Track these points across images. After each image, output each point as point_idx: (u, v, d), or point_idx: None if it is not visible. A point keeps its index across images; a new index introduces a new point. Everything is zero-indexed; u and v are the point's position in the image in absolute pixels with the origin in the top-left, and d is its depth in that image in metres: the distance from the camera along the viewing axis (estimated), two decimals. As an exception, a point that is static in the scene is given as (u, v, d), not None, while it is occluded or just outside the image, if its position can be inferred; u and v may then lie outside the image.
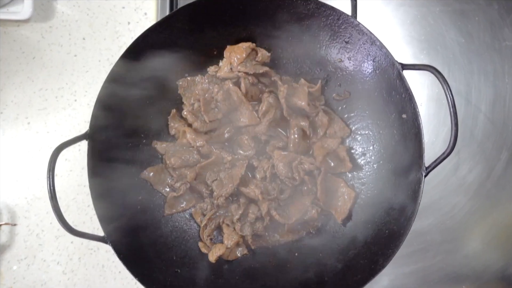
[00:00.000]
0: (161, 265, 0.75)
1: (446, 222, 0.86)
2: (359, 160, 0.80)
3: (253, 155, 0.80)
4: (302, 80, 0.82)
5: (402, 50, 0.90)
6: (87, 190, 0.71)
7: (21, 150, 0.90)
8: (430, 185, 0.86)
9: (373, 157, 0.79)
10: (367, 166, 0.80)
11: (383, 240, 0.71)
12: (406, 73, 0.69)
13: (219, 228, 0.81)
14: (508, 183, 0.87)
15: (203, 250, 0.78)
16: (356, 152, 0.81)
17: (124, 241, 0.71)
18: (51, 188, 0.63)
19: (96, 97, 0.72)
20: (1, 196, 0.89)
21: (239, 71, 0.78)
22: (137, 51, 0.74)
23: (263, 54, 0.80)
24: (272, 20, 0.78)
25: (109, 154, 0.75)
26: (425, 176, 0.66)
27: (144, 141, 0.81)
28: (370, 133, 0.79)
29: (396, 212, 0.71)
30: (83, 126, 0.91)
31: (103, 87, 0.72)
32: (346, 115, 0.82)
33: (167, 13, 0.92)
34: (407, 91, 0.69)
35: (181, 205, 0.81)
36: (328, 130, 0.81)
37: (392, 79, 0.71)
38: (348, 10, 0.73)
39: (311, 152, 0.81)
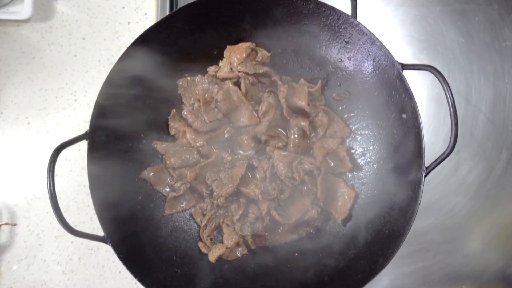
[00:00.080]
0: (161, 265, 0.75)
1: (446, 222, 0.86)
2: (359, 160, 0.80)
3: (253, 155, 0.80)
4: (302, 80, 0.82)
5: (402, 50, 0.90)
6: (87, 190, 0.71)
7: (21, 150, 0.90)
8: (430, 185, 0.86)
9: (373, 157, 0.79)
10: (367, 166, 0.80)
11: (383, 240, 0.71)
12: (406, 73, 0.69)
13: (219, 228, 0.81)
14: (508, 183, 0.87)
15: (203, 250, 0.78)
16: (356, 152, 0.81)
17: (124, 241, 0.71)
18: (51, 188, 0.63)
19: (96, 97, 0.72)
20: (1, 196, 0.89)
21: (239, 71, 0.78)
22: (137, 51, 0.74)
23: (263, 54, 0.80)
24: (272, 20, 0.78)
25: (109, 154, 0.75)
26: (425, 176, 0.66)
27: (144, 141, 0.81)
28: (370, 133, 0.79)
29: (396, 212, 0.71)
30: (83, 126, 0.91)
31: (103, 87, 0.72)
32: (346, 115, 0.82)
33: (167, 13, 0.92)
34: (407, 91, 0.69)
35: (181, 205, 0.81)
36: (328, 130, 0.81)
37: (392, 79, 0.71)
38: (348, 10, 0.73)
39: (311, 152, 0.81)
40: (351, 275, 0.72)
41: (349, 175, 0.81)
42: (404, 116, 0.72)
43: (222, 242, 0.78)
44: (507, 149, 0.87)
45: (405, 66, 0.69)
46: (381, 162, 0.78)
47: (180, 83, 0.82)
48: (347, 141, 0.82)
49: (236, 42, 0.80)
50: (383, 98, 0.75)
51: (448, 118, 0.63)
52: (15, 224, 0.88)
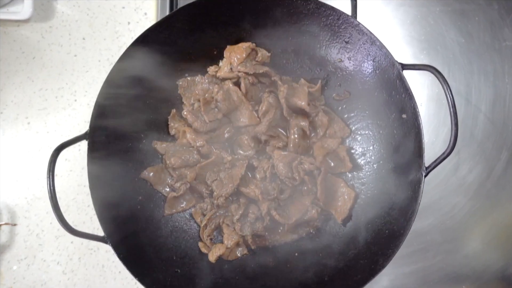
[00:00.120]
0: (161, 265, 0.75)
1: (446, 222, 0.86)
2: (359, 160, 0.80)
3: (253, 155, 0.80)
4: (302, 80, 0.82)
5: (402, 50, 0.90)
6: (87, 190, 0.71)
7: (21, 150, 0.90)
8: (430, 185, 0.86)
9: (373, 157, 0.79)
10: (367, 166, 0.80)
11: (383, 240, 0.71)
12: (406, 73, 0.69)
13: (219, 228, 0.81)
14: (508, 183, 0.87)
15: (203, 250, 0.78)
16: (356, 152, 0.81)
17: (124, 241, 0.71)
18: (51, 188, 0.63)
19: (96, 97, 0.72)
20: (1, 196, 0.89)
21: (239, 71, 0.78)
22: (137, 51, 0.74)
23: (263, 54, 0.80)
24: (272, 20, 0.78)
25: (109, 154, 0.75)
26: (425, 176, 0.66)
27: (144, 141, 0.81)
28: (370, 133, 0.79)
29: (396, 212, 0.71)
30: (83, 126, 0.91)
31: (103, 87, 0.72)
32: (346, 115, 0.82)
33: (167, 13, 0.92)
34: (407, 91, 0.69)
35: (181, 205, 0.81)
36: (328, 130, 0.81)
37: (392, 79, 0.71)
38: (348, 10, 0.73)
39: (311, 152, 0.81)
40: (351, 275, 0.72)
41: (349, 175, 0.81)
42: (404, 116, 0.72)
43: (222, 242, 0.78)
44: (507, 149, 0.87)
45: (405, 66, 0.69)
46: (381, 162, 0.78)
47: (180, 83, 0.82)
48: (347, 141, 0.82)
49: (236, 42, 0.80)
50: (383, 98, 0.75)
51: (448, 118, 0.63)
52: (15, 224, 0.88)
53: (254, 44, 0.79)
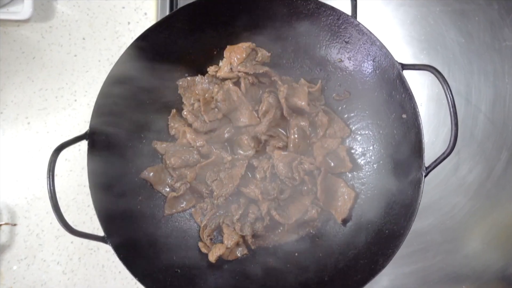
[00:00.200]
0: (161, 265, 0.75)
1: (446, 222, 0.86)
2: (359, 160, 0.80)
3: (253, 155, 0.80)
4: (302, 80, 0.82)
5: (402, 50, 0.90)
6: (87, 190, 0.71)
7: (21, 150, 0.90)
8: (430, 185, 0.86)
9: (373, 157, 0.79)
10: (367, 166, 0.80)
11: (383, 240, 0.71)
12: (406, 73, 0.69)
13: (219, 228, 0.81)
14: (508, 183, 0.87)
15: (203, 250, 0.78)
16: (356, 152, 0.81)
17: (124, 241, 0.71)
18: (51, 188, 0.63)
19: (96, 97, 0.72)
20: (1, 196, 0.89)
21: (239, 71, 0.78)
22: (137, 51, 0.74)
23: (263, 54, 0.80)
24: (272, 20, 0.78)
25: (109, 154, 0.75)
26: (425, 176, 0.66)
27: (144, 141, 0.81)
28: (370, 133, 0.79)
29: (396, 212, 0.71)
30: (83, 126, 0.91)
31: (103, 87, 0.72)
32: (346, 115, 0.82)
33: (167, 13, 0.92)
34: (407, 91, 0.69)
35: (181, 205, 0.81)
36: (328, 130, 0.81)
37: (392, 79, 0.71)
38: (348, 10, 0.73)
39: (311, 152, 0.81)
40: (351, 275, 0.72)
41: (349, 175, 0.81)
42: (404, 116, 0.71)
43: (222, 242, 0.78)
44: (507, 149, 0.87)
45: (405, 66, 0.69)
46: (381, 162, 0.78)
47: (180, 83, 0.82)
48: (347, 141, 0.82)
49: (236, 42, 0.80)
50: (383, 98, 0.75)
51: (448, 118, 0.63)
52: (15, 224, 0.88)
53: (254, 44, 0.79)
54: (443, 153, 0.63)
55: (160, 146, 0.82)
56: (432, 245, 0.86)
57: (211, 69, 0.82)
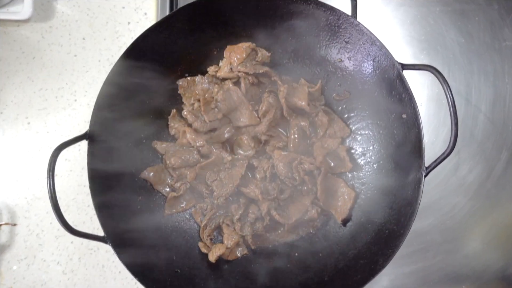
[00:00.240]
0: (161, 265, 0.75)
1: (446, 222, 0.86)
2: (359, 160, 0.80)
3: (253, 155, 0.80)
4: (302, 80, 0.82)
5: (402, 50, 0.90)
6: (87, 190, 0.71)
7: (21, 150, 0.90)
8: (430, 185, 0.86)
9: (373, 157, 0.79)
10: (367, 166, 0.80)
11: (383, 240, 0.71)
12: (406, 73, 0.69)
13: (219, 228, 0.81)
14: (508, 183, 0.86)
15: (203, 250, 0.78)
16: (356, 152, 0.81)
17: (124, 241, 0.71)
18: (51, 188, 0.63)
19: (96, 97, 0.72)
20: (1, 196, 0.89)
21: (239, 71, 0.78)
22: (137, 51, 0.74)
23: (263, 54, 0.80)
24: (272, 20, 0.78)
25: (109, 154, 0.75)
26: (425, 176, 0.66)
27: (144, 141, 0.81)
28: (370, 133, 0.79)
29: (396, 212, 0.71)
30: (83, 126, 0.91)
31: (103, 87, 0.72)
32: (346, 115, 0.82)
33: (167, 13, 0.92)
34: (407, 91, 0.69)
35: (181, 205, 0.81)
36: (328, 130, 0.81)
37: (392, 79, 0.71)
38: (348, 10, 0.73)
39: (311, 152, 0.81)
40: (351, 275, 0.72)
41: (349, 175, 0.81)
42: (404, 116, 0.71)
43: (222, 242, 0.78)
44: (507, 149, 0.87)
45: (405, 66, 0.69)
46: (381, 162, 0.78)
47: (180, 83, 0.82)
48: (347, 141, 0.82)
49: (236, 42, 0.80)
50: (383, 98, 0.75)
51: (448, 118, 0.63)
52: (15, 224, 0.88)
53: (254, 44, 0.79)
54: (443, 153, 0.63)
55: (160, 146, 0.82)
56: (432, 245, 0.86)
57: (211, 69, 0.82)
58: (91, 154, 0.71)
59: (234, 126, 0.82)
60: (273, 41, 0.80)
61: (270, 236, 0.80)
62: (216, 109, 0.80)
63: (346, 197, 0.78)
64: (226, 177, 0.78)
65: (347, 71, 0.79)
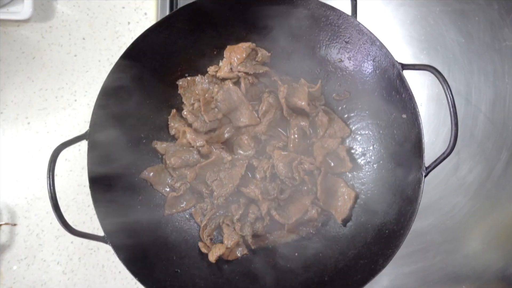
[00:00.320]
0: (161, 265, 0.75)
1: (446, 222, 0.86)
2: (359, 160, 0.80)
3: (253, 155, 0.80)
4: (302, 80, 0.82)
5: (402, 50, 0.90)
6: (87, 190, 0.71)
7: (21, 150, 0.90)
8: (430, 185, 0.86)
9: (373, 157, 0.79)
10: (367, 166, 0.80)
11: (383, 240, 0.71)
12: (406, 73, 0.69)
13: (219, 228, 0.81)
14: (508, 183, 0.87)
15: (203, 250, 0.78)
16: (356, 152, 0.81)
17: (124, 241, 0.71)
18: (51, 188, 0.63)
19: (96, 97, 0.72)
20: (1, 196, 0.89)
21: (239, 71, 0.78)
22: (137, 51, 0.74)
23: (263, 54, 0.80)
24: (272, 20, 0.78)
25: (109, 154, 0.75)
26: (425, 176, 0.66)
27: (144, 141, 0.81)
28: (370, 133, 0.79)
29: (396, 212, 0.71)
30: (83, 126, 0.91)
31: (103, 87, 0.72)
32: (346, 115, 0.82)
33: (167, 13, 0.92)
34: (407, 91, 0.69)
35: (181, 205, 0.81)
36: (328, 130, 0.81)
37: (392, 79, 0.71)
38: (348, 10, 0.73)
39: (311, 152, 0.81)
40: (351, 275, 0.72)
41: (349, 175, 0.81)
42: (404, 116, 0.71)
43: (222, 242, 0.78)
44: (507, 149, 0.87)
45: (405, 66, 0.69)
46: (381, 162, 0.78)
47: (180, 83, 0.82)
48: (347, 141, 0.82)
49: (236, 42, 0.80)
50: (383, 98, 0.75)
51: (448, 118, 0.63)
52: (15, 224, 0.88)
53: (254, 44, 0.79)
54: (443, 153, 0.63)
55: (160, 146, 0.82)
56: (432, 245, 0.86)
57: (211, 69, 0.82)
58: (91, 154, 0.71)
59: (234, 126, 0.82)
60: (273, 41, 0.80)
61: (270, 236, 0.80)
62: (216, 109, 0.80)
63: (346, 197, 0.78)
64: (226, 177, 0.78)
65: (347, 71, 0.79)
